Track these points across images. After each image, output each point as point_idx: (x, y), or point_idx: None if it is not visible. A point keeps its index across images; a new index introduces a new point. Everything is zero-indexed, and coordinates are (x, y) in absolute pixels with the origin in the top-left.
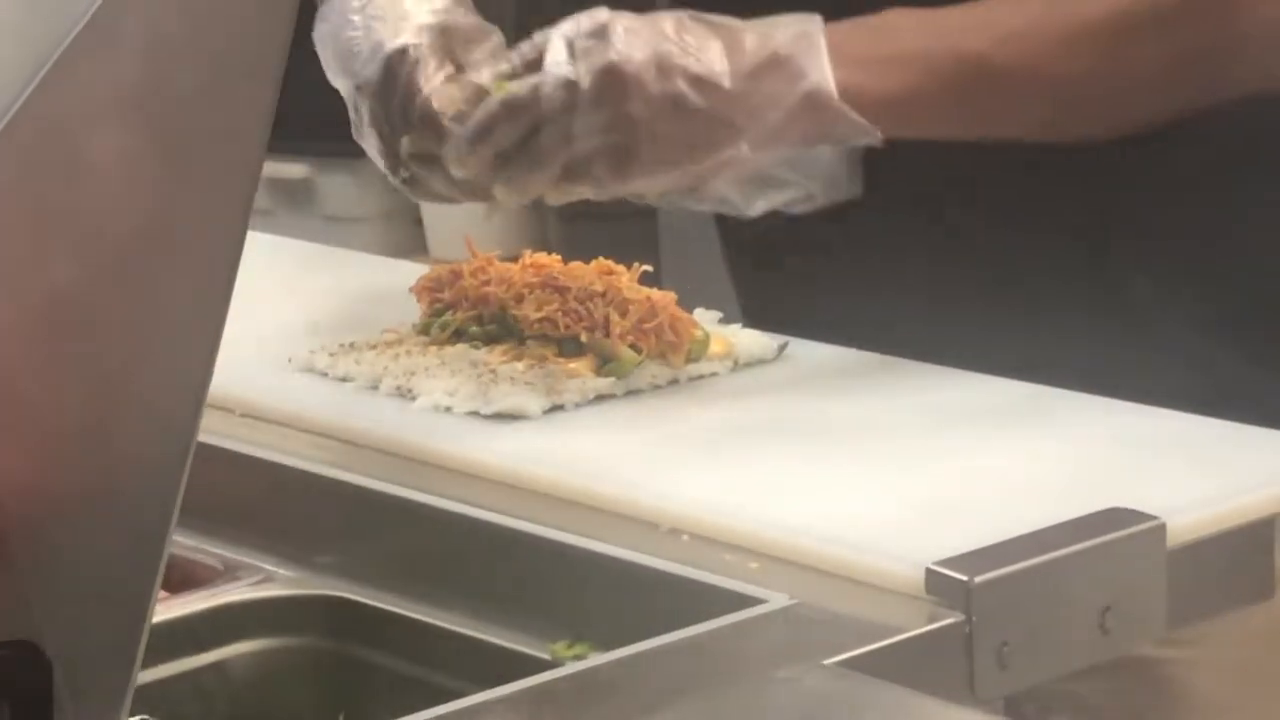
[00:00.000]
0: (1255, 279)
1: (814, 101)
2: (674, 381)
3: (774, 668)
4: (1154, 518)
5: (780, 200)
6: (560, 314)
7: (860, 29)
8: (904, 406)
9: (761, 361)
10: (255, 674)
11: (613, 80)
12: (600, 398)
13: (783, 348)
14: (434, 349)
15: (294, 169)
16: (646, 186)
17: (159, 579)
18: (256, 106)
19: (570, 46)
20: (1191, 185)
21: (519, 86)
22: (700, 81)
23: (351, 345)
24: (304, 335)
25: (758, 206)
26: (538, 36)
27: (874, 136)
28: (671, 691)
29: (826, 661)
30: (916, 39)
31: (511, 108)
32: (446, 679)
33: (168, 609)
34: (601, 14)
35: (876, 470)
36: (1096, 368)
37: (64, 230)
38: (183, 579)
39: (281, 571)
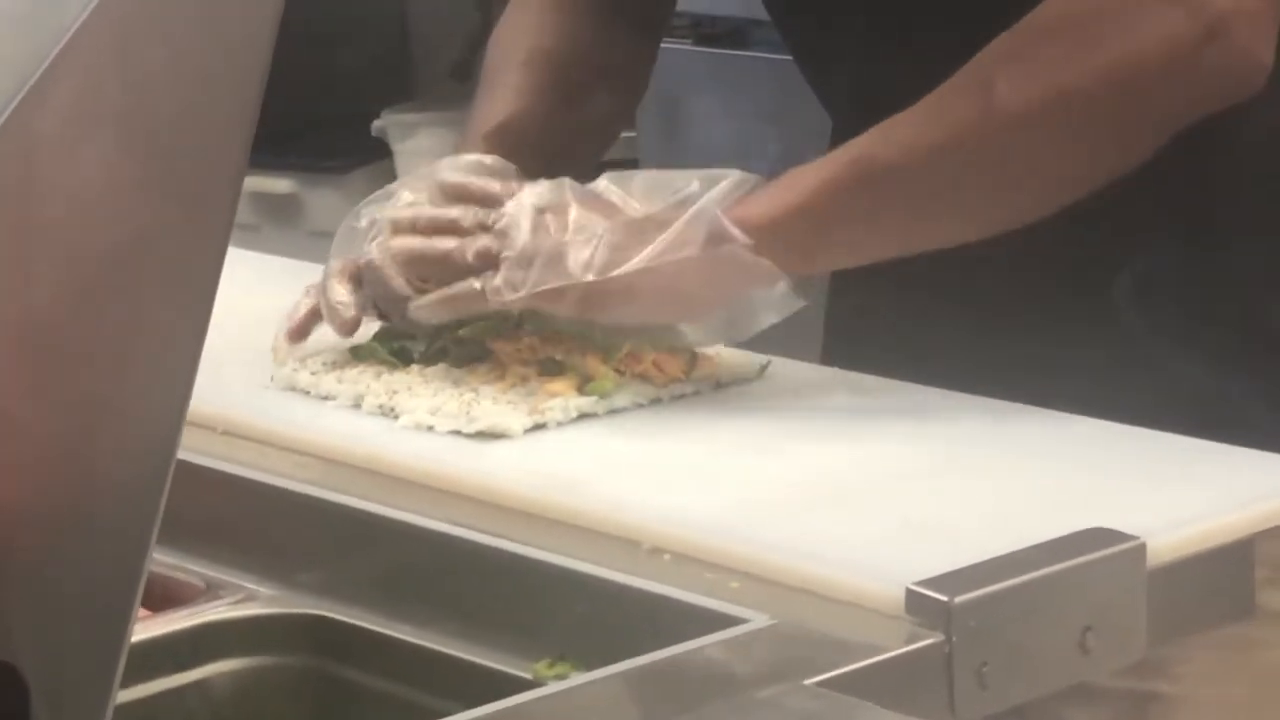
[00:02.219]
0: (1240, 298)
1: (697, 218)
2: (656, 401)
3: (755, 687)
4: (1134, 538)
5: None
6: (539, 341)
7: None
8: (885, 426)
9: (744, 380)
10: (236, 693)
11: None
12: (582, 416)
13: (764, 367)
14: (416, 368)
15: (280, 184)
16: (550, 301)
17: (138, 598)
18: (237, 125)
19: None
20: (1180, 206)
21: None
22: (622, 223)
23: (334, 363)
24: (287, 353)
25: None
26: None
27: (746, 243)
28: (653, 711)
29: (807, 681)
30: (814, 167)
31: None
32: (428, 698)
33: (148, 628)
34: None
35: (857, 490)
36: (1078, 388)
37: (43, 249)
38: (163, 597)
39: (263, 590)
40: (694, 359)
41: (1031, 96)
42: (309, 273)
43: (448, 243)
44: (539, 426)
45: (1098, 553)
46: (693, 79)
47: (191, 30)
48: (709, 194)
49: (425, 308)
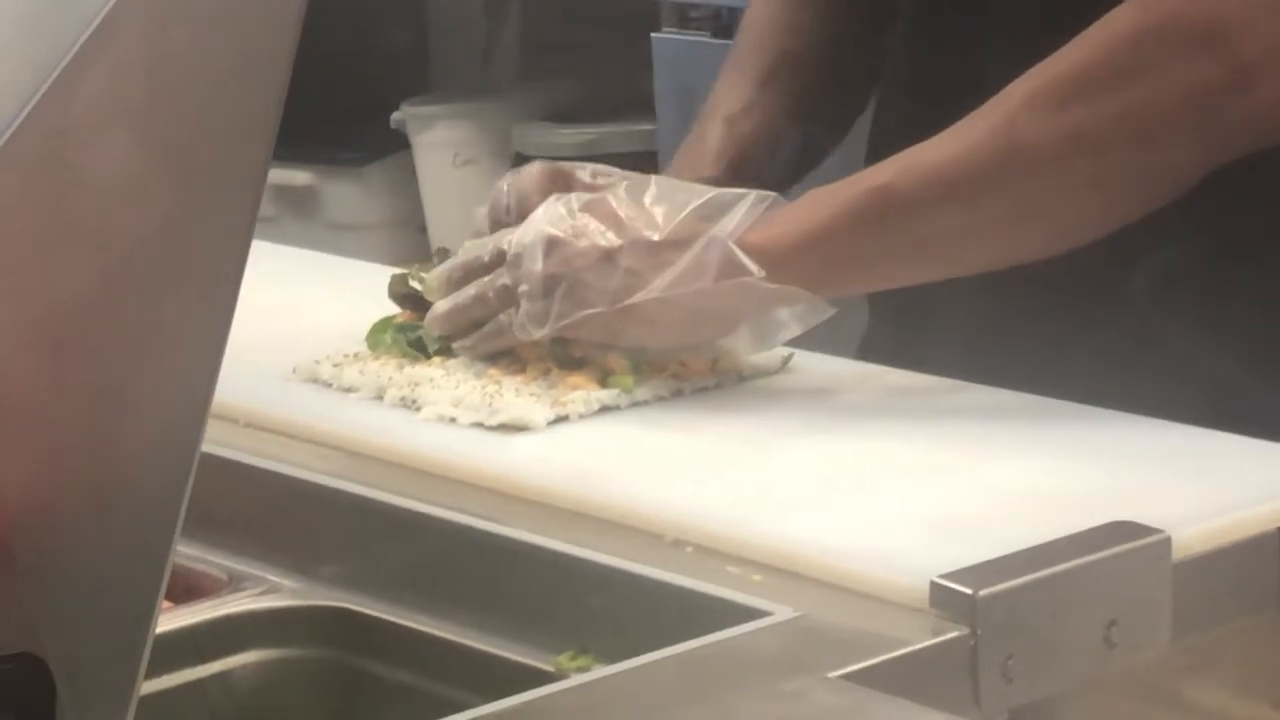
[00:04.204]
0: (1263, 292)
1: (713, 246)
2: (678, 393)
3: (778, 681)
4: (1159, 531)
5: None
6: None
7: (797, 200)
8: (909, 419)
9: (766, 374)
10: (259, 685)
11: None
12: (604, 409)
13: (787, 360)
14: (438, 359)
15: (298, 176)
16: (573, 331)
17: (163, 589)
18: (262, 116)
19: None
20: (1200, 200)
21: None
22: (634, 243)
23: (356, 355)
24: (308, 345)
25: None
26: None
27: (760, 275)
28: (675, 704)
29: (831, 674)
30: (831, 191)
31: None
32: (450, 691)
33: (171, 619)
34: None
35: (881, 483)
36: (1103, 381)
37: (69, 240)
38: (186, 589)
39: (285, 582)
40: (718, 354)
41: (1054, 141)
42: (327, 265)
43: (471, 290)
44: (561, 419)
45: (1122, 546)
46: (711, 71)
47: (218, 21)
48: (722, 222)
49: (467, 349)
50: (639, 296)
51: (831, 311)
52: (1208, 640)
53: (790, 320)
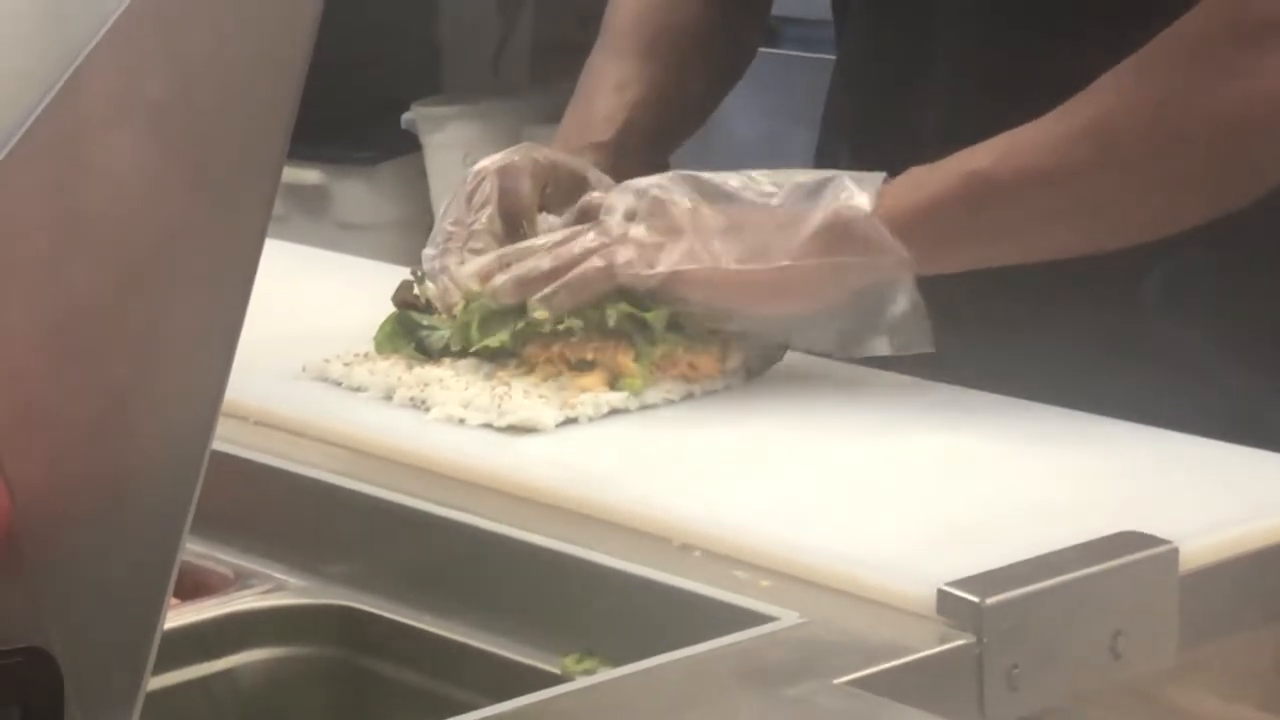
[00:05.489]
0: (1274, 304)
1: (845, 217)
2: (689, 396)
3: (784, 686)
4: (1166, 542)
5: (863, 352)
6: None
7: (894, 182)
8: (918, 426)
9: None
10: (265, 682)
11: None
12: (614, 412)
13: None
14: (448, 360)
15: (309, 175)
16: (686, 286)
17: (171, 586)
18: (276, 116)
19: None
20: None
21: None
22: (747, 208)
23: (365, 355)
24: (318, 344)
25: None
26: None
27: (900, 255)
28: (681, 708)
29: (837, 681)
30: (930, 171)
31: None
32: (455, 691)
33: (179, 616)
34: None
35: (889, 490)
36: (1111, 391)
37: (82, 237)
38: (194, 586)
39: (292, 580)
40: (727, 351)
41: (1148, 139)
42: (337, 264)
43: (544, 260)
44: (570, 421)
45: (1130, 556)
46: None
47: (232, 21)
48: (843, 197)
49: (547, 299)
50: (774, 263)
51: (930, 349)
52: (1214, 652)
53: (882, 342)
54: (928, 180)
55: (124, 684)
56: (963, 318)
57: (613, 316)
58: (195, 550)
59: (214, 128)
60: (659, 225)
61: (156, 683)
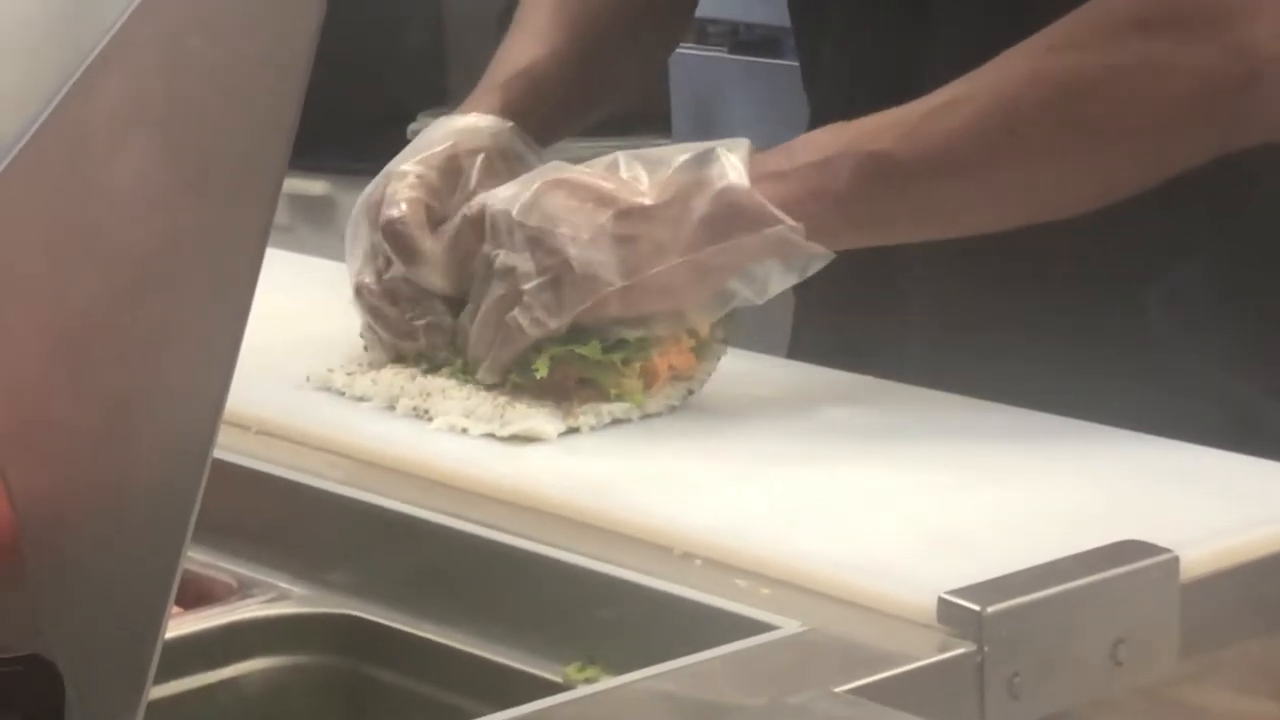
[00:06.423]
0: (1274, 311)
1: (729, 198)
2: (689, 394)
3: (785, 694)
4: (1167, 551)
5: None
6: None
7: (776, 150)
8: (919, 434)
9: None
10: (267, 691)
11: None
12: (616, 421)
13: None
14: (447, 370)
15: (314, 186)
16: (592, 315)
17: (173, 595)
18: (278, 126)
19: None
20: (1211, 217)
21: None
22: (627, 212)
23: (369, 364)
24: (322, 354)
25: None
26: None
27: (798, 230)
28: (682, 717)
29: (837, 689)
30: (826, 148)
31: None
32: (458, 699)
33: (181, 625)
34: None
35: (890, 498)
36: (1112, 399)
37: (84, 247)
38: (196, 595)
39: (295, 589)
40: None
41: (1055, 129)
42: (341, 273)
43: (477, 321)
44: (572, 430)
45: (1130, 565)
46: (727, 86)
47: (235, 30)
48: (714, 173)
49: (486, 371)
50: (666, 264)
51: (831, 257)
52: (1215, 660)
53: (785, 271)
54: (819, 152)
55: (126, 693)
56: (960, 326)
57: (541, 369)
58: (198, 559)
59: (216, 137)
60: (546, 262)
61: (159, 692)
